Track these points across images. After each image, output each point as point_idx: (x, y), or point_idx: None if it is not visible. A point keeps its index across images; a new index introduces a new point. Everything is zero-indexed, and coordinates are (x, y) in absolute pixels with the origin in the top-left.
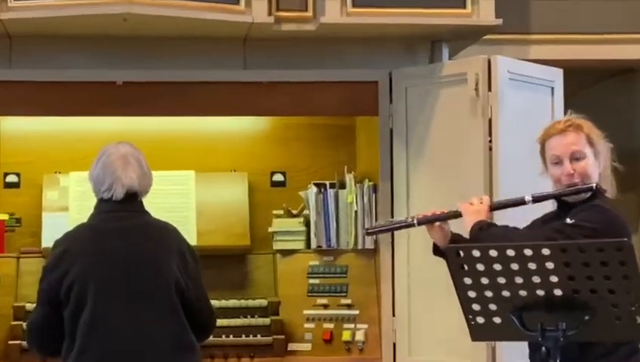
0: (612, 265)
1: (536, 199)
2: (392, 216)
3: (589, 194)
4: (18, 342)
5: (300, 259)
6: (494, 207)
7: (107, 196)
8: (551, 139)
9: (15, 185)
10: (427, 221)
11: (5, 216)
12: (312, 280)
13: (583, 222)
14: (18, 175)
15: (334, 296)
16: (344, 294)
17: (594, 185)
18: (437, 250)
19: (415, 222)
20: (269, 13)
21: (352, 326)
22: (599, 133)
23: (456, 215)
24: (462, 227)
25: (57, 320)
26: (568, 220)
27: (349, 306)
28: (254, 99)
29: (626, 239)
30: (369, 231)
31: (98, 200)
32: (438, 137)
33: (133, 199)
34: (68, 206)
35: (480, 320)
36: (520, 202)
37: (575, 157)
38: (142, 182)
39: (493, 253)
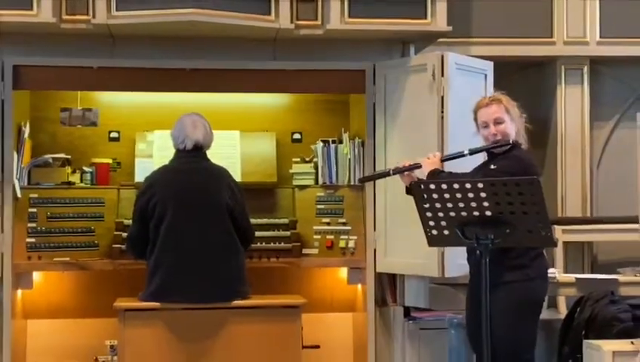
0: (526, 194)
1: (472, 152)
2: (374, 164)
3: (509, 146)
4: (118, 245)
5: (311, 192)
6: (444, 159)
7: (182, 147)
8: (480, 110)
9: (116, 140)
10: (399, 171)
11: (110, 160)
12: (319, 206)
13: (502, 168)
14: (118, 132)
15: (334, 217)
16: (341, 215)
17: (511, 140)
18: (408, 191)
19: (391, 172)
20: (291, 22)
21: (346, 237)
22: (514, 103)
23: (418, 166)
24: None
25: (146, 232)
26: (492, 166)
27: (344, 224)
28: (281, 81)
29: (536, 177)
30: (361, 180)
31: (176, 150)
32: (406, 109)
33: (199, 150)
34: (152, 154)
35: (434, 232)
36: (461, 155)
37: (497, 122)
38: (205, 138)
39: (444, 186)
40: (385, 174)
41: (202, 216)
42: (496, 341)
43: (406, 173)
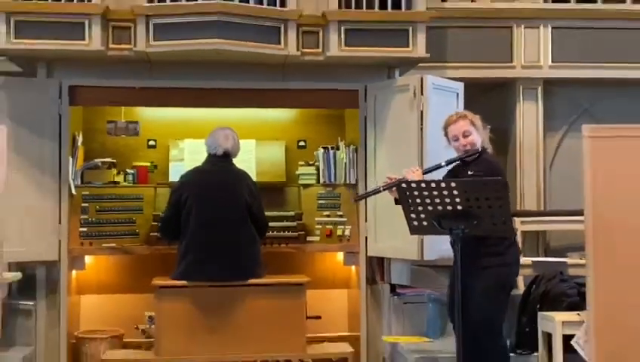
0: (490, 192)
1: (448, 162)
2: (366, 167)
3: (477, 154)
4: (155, 234)
5: (314, 189)
6: (425, 171)
7: (213, 152)
8: (450, 126)
9: (154, 147)
10: (388, 187)
11: (148, 164)
12: (320, 201)
13: (478, 172)
14: (155, 140)
15: (332, 210)
16: (338, 209)
17: (479, 148)
18: (397, 202)
19: (381, 189)
20: (297, 50)
21: (342, 226)
22: (477, 117)
23: (404, 181)
24: None
25: (177, 219)
26: (470, 172)
27: (341, 216)
28: (289, 98)
29: (500, 178)
30: (356, 199)
31: (208, 155)
32: (392, 122)
33: (227, 156)
34: (183, 158)
35: (415, 223)
36: (439, 166)
37: (465, 135)
38: (234, 148)
39: (423, 185)
40: (376, 191)
41: (226, 210)
42: (476, 316)
43: (394, 188)
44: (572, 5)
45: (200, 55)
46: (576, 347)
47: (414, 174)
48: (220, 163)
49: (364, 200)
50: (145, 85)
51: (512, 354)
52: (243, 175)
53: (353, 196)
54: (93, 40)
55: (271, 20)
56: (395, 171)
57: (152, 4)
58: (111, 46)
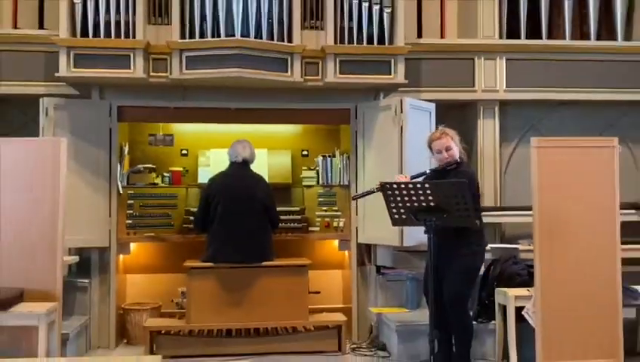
0: (457, 191)
1: (432, 171)
2: (357, 172)
3: (455, 165)
4: (186, 225)
5: (314, 189)
6: (412, 177)
7: (234, 160)
8: (434, 142)
9: (185, 155)
10: (381, 189)
11: (181, 169)
12: (319, 199)
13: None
14: (187, 150)
15: (330, 206)
16: (334, 205)
17: (458, 159)
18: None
19: (375, 190)
20: (301, 77)
21: (338, 219)
22: (455, 133)
23: (389, 182)
24: None
25: (207, 213)
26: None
27: (336, 211)
28: (294, 116)
29: (464, 180)
30: (354, 197)
31: (230, 163)
32: (377, 135)
33: (246, 163)
34: (209, 164)
35: (396, 216)
36: (424, 173)
37: (447, 149)
38: (251, 156)
39: (402, 186)
40: (371, 192)
41: (245, 206)
42: (451, 292)
43: None
44: (522, 41)
45: (223, 81)
46: (526, 316)
47: (403, 179)
48: (241, 168)
49: (357, 199)
50: (179, 105)
51: (474, 323)
52: (259, 178)
53: (351, 195)
54: (137, 69)
55: (280, 53)
56: (381, 176)
57: (185, 41)
58: (151, 74)
